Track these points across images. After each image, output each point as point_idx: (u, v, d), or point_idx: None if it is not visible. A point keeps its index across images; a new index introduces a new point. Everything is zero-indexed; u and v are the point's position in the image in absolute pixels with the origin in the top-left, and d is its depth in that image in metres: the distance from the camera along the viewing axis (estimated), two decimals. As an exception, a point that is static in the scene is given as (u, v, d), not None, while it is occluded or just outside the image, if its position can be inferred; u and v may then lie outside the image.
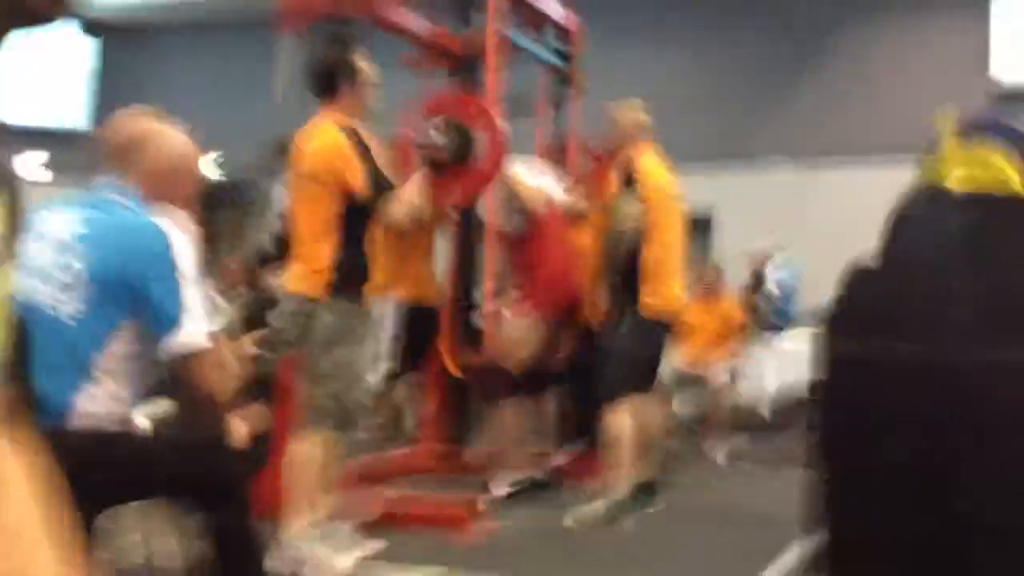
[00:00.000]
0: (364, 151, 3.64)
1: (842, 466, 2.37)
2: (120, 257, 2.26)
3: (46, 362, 2.17)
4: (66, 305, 2.25)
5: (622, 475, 4.38)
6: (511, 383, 4.72)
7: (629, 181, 4.41)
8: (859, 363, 2.26)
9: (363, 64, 3.77)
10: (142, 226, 2.32)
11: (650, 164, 4.50)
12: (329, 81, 3.73)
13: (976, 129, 2.68)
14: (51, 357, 2.20)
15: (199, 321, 2.29)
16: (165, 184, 2.43)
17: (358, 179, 3.58)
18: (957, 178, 2.35)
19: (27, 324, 2.16)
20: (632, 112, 4.67)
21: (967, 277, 2.13)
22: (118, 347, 2.27)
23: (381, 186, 3.65)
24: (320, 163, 3.61)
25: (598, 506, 4.35)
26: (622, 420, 4.38)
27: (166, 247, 2.28)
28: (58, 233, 2.30)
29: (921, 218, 2.32)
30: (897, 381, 2.17)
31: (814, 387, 2.40)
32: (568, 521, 4.32)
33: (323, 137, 3.64)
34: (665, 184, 4.53)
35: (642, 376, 4.56)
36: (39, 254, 2.28)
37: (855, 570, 2.43)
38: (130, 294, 2.25)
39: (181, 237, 2.34)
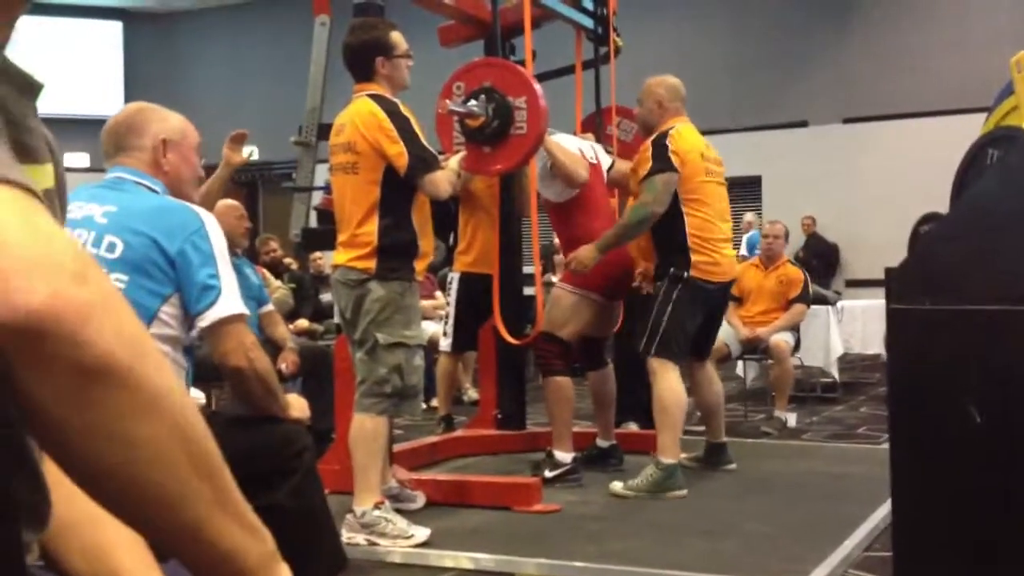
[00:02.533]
0: (405, 125, 3.61)
1: (919, 433, 2.26)
2: (155, 237, 2.29)
3: None
4: None
5: (671, 442, 4.30)
6: (567, 355, 4.65)
7: (662, 155, 4.33)
8: (934, 324, 2.14)
9: (397, 39, 3.75)
10: (173, 206, 2.36)
11: (683, 135, 4.40)
12: (365, 58, 3.72)
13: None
14: None
15: (233, 296, 2.32)
16: (171, 162, 2.47)
17: (400, 153, 3.55)
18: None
19: None
20: (664, 84, 4.57)
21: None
22: (160, 322, 2.29)
23: (425, 159, 3.60)
24: (361, 138, 3.60)
25: (648, 473, 4.29)
26: (669, 386, 4.31)
27: (199, 225, 2.32)
28: (91, 217, 2.33)
29: (996, 164, 2.19)
30: (976, 338, 2.05)
31: (888, 352, 2.29)
32: (616, 487, 4.29)
33: (362, 113, 3.63)
34: (699, 154, 4.43)
35: (690, 342, 4.50)
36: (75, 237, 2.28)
37: (930, 544, 2.31)
38: (168, 271, 2.28)
39: (209, 216, 2.37)
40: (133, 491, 0.68)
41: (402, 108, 3.67)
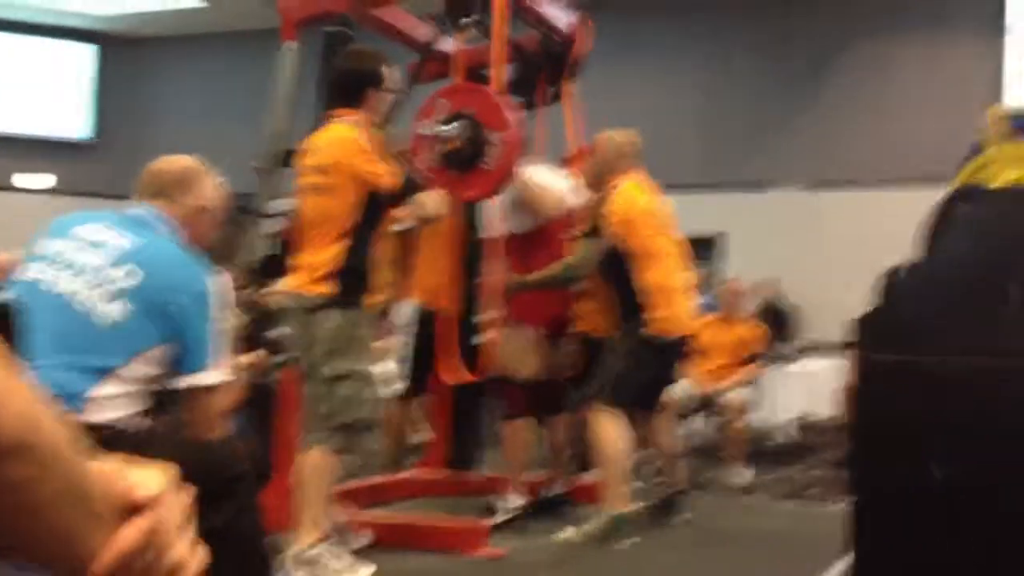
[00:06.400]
0: (388, 151, 3.61)
1: (879, 486, 2.21)
2: (168, 289, 2.38)
3: (69, 354, 2.27)
4: (106, 310, 2.34)
5: (617, 491, 4.24)
6: (522, 398, 4.58)
7: (596, 220, 4.34)
8: (903, 374, 2.10)
9: (388, 73, 3.77)
10: (190, 264, 2.46)
11: (625, 195, 4.39)
12: (357, 85, 3.71)
13: (1020, 131, 2.54)
14: (76, 352, 2.29)
15: (216, 367, 2.42)
16: (202, 224, 2.63)
17: (389, 173, 3.52)
18: (1007, 178, 2.20)
19: (47, 313, 2.27)
20: (616, 139, 4.57)
21: (1021, 278, 1.98)
22: (144, 362, 2.36)
23: (415, 180, 3.62)
24: (339, 162, 3.56)
25: (597, 522, 4.21)
26: (612, 435, 4.25)
27: (211, 290, 2.43)
28: (107, 244, 2.42)
29: (966, 219, 2.17)
30: (946, 391, 2.01)
31: (850, 402, 2.25)
32: (562, 536, 4.21)
33: (345, 138, 3.60)
34: (643, 211, 4.43)
35: (642, 395, 4.46)
36: (80, 255, 2.39)
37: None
38: (169, 324, 2.36)
39: (219, 279, 2.49)
40: (27, 540, 0.70)
41: (382, 134, 3.69)
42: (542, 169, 4.77)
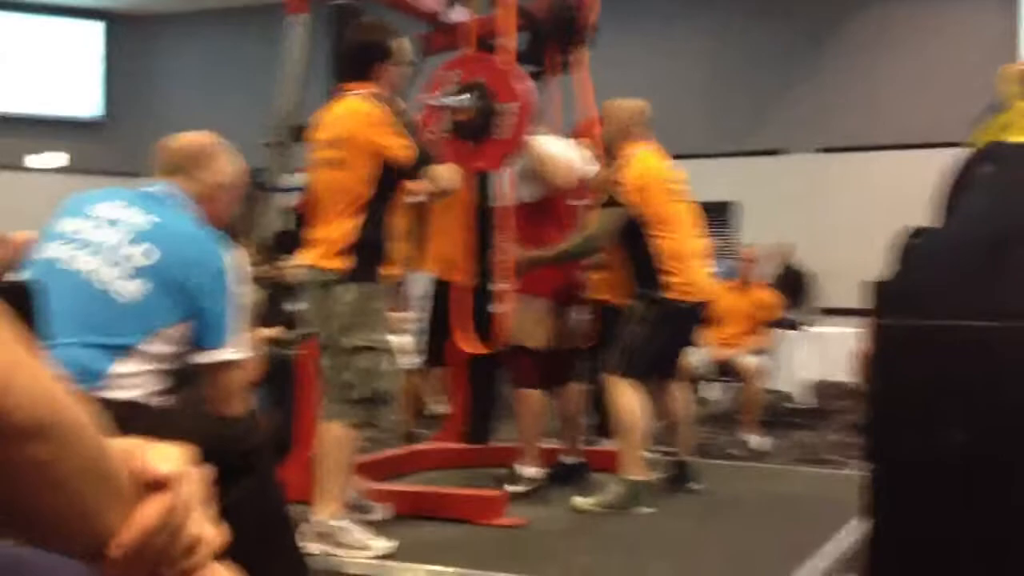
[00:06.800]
0: (403, 121, 3.57)
1: (896, 452, 2.20)
2: (185, 265, 2.39)
3: (89, 333, 2.29)
4: (124, 288, 2.36)
5: (634, 459, 4.24)
6: (535, 368, 4.58)
7: (612, 189, 4.32)
8: (919, 340, 2.09)
9: (399, 46, 3.74)
10: (207, 240, 2.47)
11: (639, 162, 4.38)
12: (365, 58, 3.68)
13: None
14: (96, 330, 2.31)
15: (237, 343, 2.45)
16: (220, 201, 2.63)
17: (404, 146, 3.50)
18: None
19: (65, 292, 2.30)
20: (626, 107, 4.55)
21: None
22: (163, 339, 2.37)
23: (429, 153, 3.59)
24: (353, 135, 3.54)
25: (613, 490, 4.23)
26: (629, 403, 4.26)
27: (226, 265, 2.45)
28: (124, 222, 2.42)
29: (988, 180, 2.14)
30: (962, 356, 2.00)
31: (866, 368, 2.24)
32: (581, 503, 4.23)
33: (357, 110, 3.57)
34: (657, 178, 4.42)
35: (660, 362, 4.45)
36: (97, 234, 2.41)
37: (901, 570, 2.25)
38: (187, 301, 2.38)
39: (238, 256, 2.55)
40: (49, 519, 0.70)
41: (396, 105, 3.64)
42: (551, 139, 4.74)
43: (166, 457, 0.77)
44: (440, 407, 7.06)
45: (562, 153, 4.63)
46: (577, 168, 4.65)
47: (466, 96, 4.12)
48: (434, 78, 4.36)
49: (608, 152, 4.63)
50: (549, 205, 4.64)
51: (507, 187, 4.63)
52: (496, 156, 4.23)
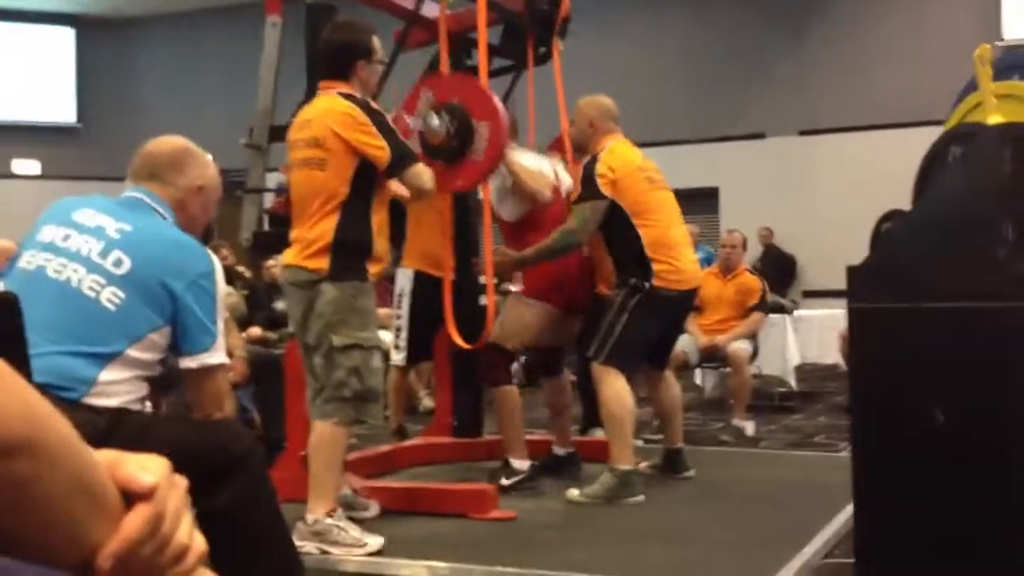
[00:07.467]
0: (382, 121, 3.57)
1: (880, 434, 2.22)
2: (163, 272, 2.38)
3: (71, 341, 2.29)
4: (104, 296, 2.35)
5: (623, 448, 4.26)
6: (508, 366, 4.61)
7: (590, 182, 4.33)
8: (898, 321, 2.10)
9: (376, 45, 3.74)
10: (185, 246, 2.47)
11: (614, 154, 4.40)
12: (345, 58, 3.68)
13: (1011, 69, 2.52)
14: (78, 338, 2.31)
15: (221, 346, 2.46)
16: (196, 205, 2.61)
17: (382, 147, 3.50)
18: (997, 117, 2.19)
19: (46, 300, 2.30)
20: (595, 104, 4.58)
21: (1015, 214, 1.97)
22: (146, 345, 2.37)
23: (407, 154, 3.58)
24: (333, 135, 3.53)
25: (604, 481, 4.25)
26: (616, 393, 4.27)
27: (210, 268, 2.46)
28: (102, 229, 2.42)
29: (959, 160, 2.16)
30: (941, 336, 2.01)
31: (848, 351, 2.25)
32: (572, 495, 4.25)
33: (336, 110, 3.57)
34: (634, 167, 4.45)
35: (646, 352, 4.46)
36: (76, 241, 2.40)
37: (891, 554, 2.27)
38: (167, 307, 2.38)
39: (216, 260, 2.53)
40: (35, 534, 0.70)
41: (374, 105, 3.64)
42: (527, 155, 4.75)
43: (149, 467, 0.77)
44: (429, 402, 7.08)
45: (539, 168, 4.64)
46: (552, 180, 4.67)
47: (440, 121, 4.12)
48: (408, 98, 4.35)
49: (579, 149, 4.65)
50: (532, 220, 4.62)
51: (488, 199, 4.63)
52: (473, 176, 4.24)
